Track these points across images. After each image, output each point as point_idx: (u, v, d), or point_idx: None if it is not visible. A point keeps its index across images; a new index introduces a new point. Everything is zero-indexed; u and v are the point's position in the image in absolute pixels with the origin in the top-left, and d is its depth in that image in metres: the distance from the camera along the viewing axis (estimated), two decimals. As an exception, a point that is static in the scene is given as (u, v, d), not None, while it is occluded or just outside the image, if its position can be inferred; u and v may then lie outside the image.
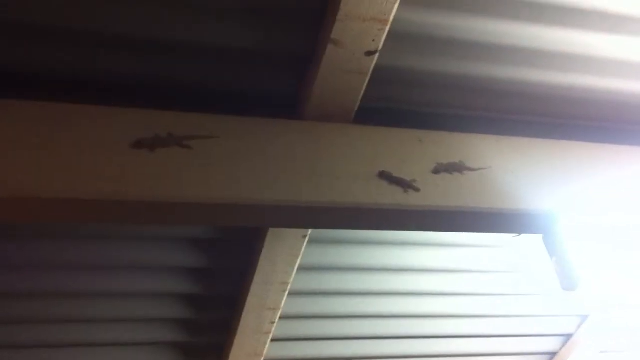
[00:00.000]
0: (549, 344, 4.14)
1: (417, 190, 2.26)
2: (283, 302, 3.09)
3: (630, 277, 3.63)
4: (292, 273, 2.95)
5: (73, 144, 1.98)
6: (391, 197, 2.23)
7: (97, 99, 2.10)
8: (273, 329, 3.23)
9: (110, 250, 2.79)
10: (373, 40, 2.11)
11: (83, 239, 2.73)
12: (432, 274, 3.38)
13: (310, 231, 2.79)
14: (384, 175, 2.25)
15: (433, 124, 2.48)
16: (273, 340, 3.34)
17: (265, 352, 3.36)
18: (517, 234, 2.53)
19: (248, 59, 2.21)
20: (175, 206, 1.97)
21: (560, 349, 4.18)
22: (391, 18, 2.06)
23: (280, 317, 3.22)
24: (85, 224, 2.62)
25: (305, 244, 2.83)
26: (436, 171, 2.31)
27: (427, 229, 2.38)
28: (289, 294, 3.11)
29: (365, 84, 2.26)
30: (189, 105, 2.18)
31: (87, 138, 2.01)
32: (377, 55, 2.16)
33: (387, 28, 2.09)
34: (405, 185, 2.26)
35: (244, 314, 3.10)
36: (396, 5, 2.03)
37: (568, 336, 4.12)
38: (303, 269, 3.06)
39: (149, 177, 1.98)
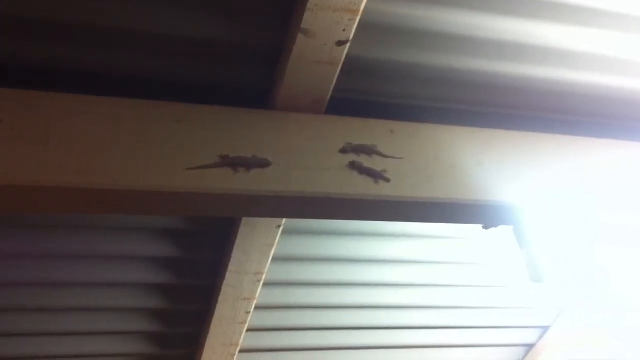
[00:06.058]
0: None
1: (387, 180, 2.26)
2: (258, 292, 3.10)
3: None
4: (267, 263, 2.96)
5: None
6: (362, 187, 2.23)
7: (65, 88, 2.08)
8: (248, 319, 3.24)
9: (83, 241, 2.78)
10: (344, 30, 2.09)
11: (53, 228, 2.71)
12: (406, 265, 3.39)
13: (284, 221, 2.80)
14: (354, 166, 2.25)
15: (405, 115, 2.47)
16: (248, 330, 3.35)
17: (240, 342, 3.37)
18: (488, 227, 2.53)
19: (219, 50, 2.19)
20: (137, 194, 1.96)
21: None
22: (362, 8, 2.05)
23: (256, 308, 3.23)
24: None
25: (279, 234, 2.84)
26: (344, 151, 2.27)
27: (397, 220, 2.38)
28: (265, 284, 3.12)
29: (337, 75, 2.25)
30: (158, 95, 2.16)
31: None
32: (348, 45, 2.15)
33: (358, 18, 2.08)
34: (376, 175, 2.26)
35: (219, 304, 3.10)
36: (367, -4, 2.02)
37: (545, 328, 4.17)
38: (279, 259, 3.07)
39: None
